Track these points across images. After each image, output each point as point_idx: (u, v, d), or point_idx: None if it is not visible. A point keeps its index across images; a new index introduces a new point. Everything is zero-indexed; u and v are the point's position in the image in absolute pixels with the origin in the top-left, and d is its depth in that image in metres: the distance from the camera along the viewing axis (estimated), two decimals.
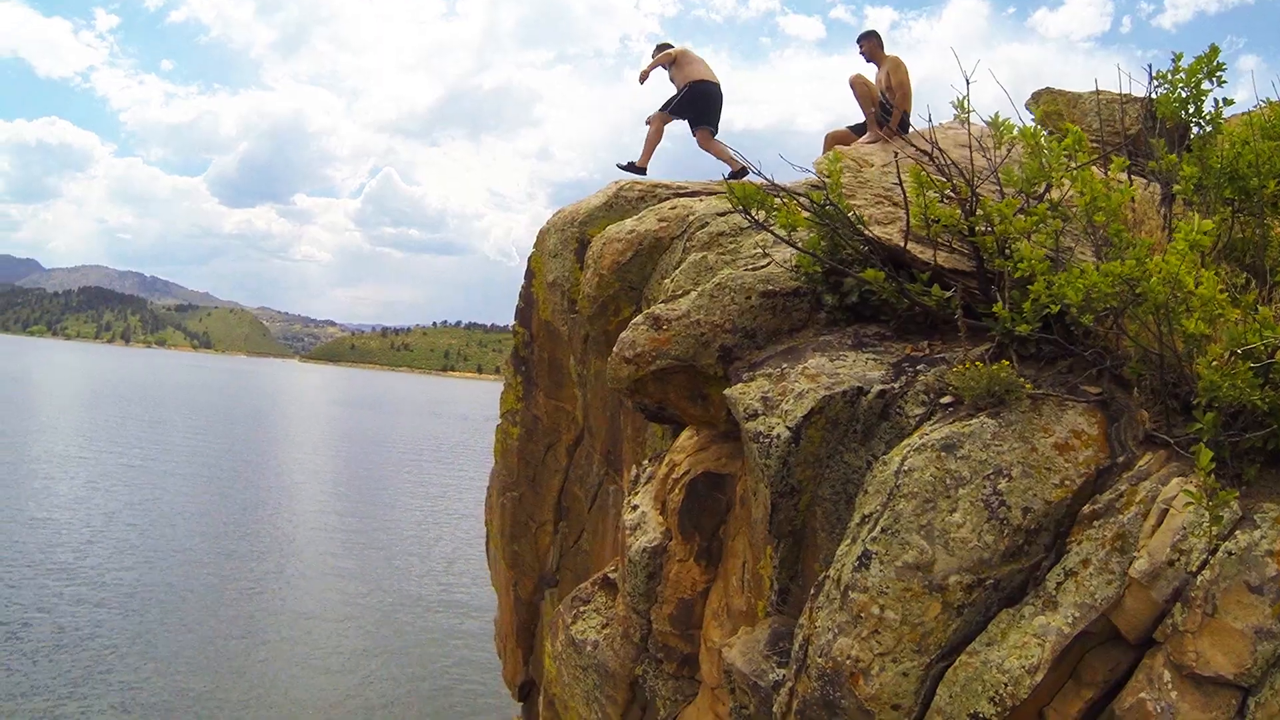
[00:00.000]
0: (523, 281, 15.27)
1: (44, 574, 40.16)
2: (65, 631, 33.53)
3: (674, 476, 8.25)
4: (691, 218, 11.10)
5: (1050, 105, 14.10)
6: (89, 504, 56.68)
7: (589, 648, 9.44)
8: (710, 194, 12.35)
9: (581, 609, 9.83)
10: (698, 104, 13.94)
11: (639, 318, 8.15)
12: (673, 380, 7.98)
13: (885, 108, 12.92)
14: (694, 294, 8.20)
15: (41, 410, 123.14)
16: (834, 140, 13.34)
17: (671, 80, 14.08)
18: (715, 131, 14.06)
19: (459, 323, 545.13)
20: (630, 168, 14.15)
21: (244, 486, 67.19)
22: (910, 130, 12.68)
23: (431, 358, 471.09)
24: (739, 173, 13.07)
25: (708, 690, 8.08)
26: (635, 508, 8.64)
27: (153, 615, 36.12)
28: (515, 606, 15.17)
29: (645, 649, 8.77)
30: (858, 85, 13.16)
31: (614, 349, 8.17)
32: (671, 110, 14.15)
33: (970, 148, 8.25)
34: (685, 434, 8.63)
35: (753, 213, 8.07)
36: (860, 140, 13.03)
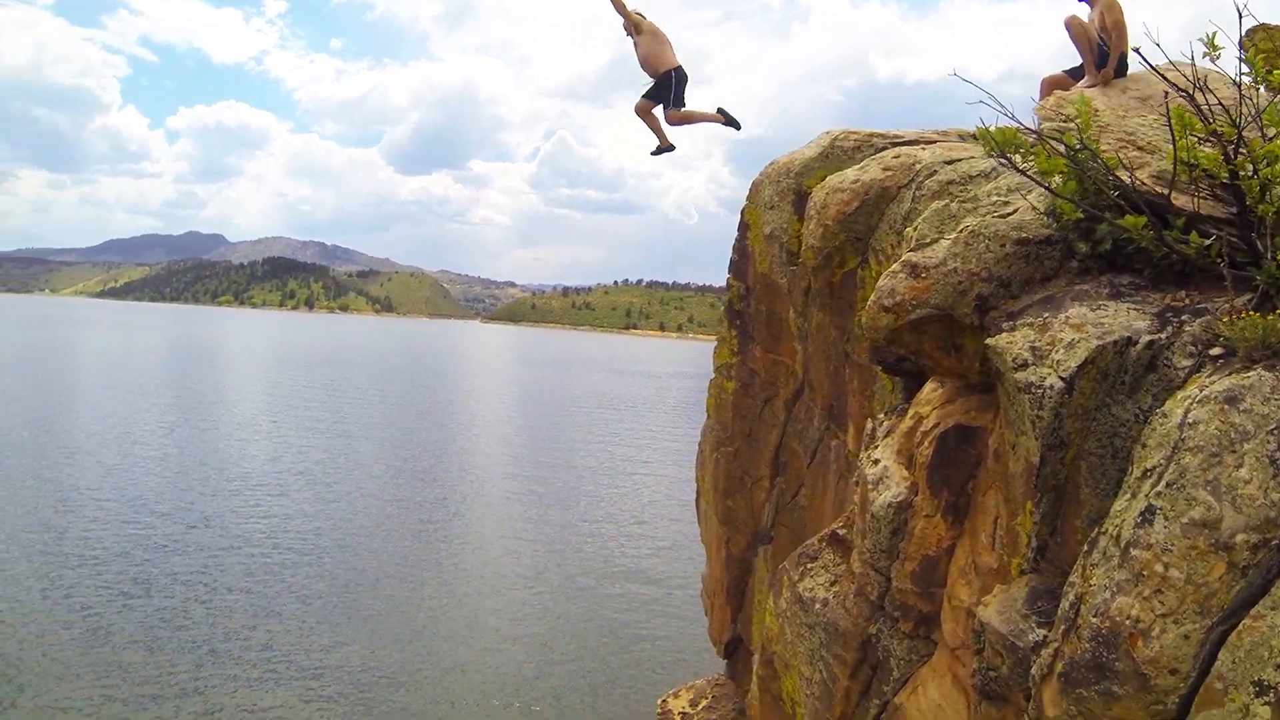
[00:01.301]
0: (736, 235, 15.09)
1: (237, 539, 41.89)
2: (255, 595, 34.84)
3: (922, 430, 7.97)
4: (918, 166, 10.77)
5: (1266, 43, 13.19)
6: (279, 465, 58.98)
7: (817, 605, 9.26)
8: (928, 143, 11.99)
9: (809, 565, 9.65)
10: (679, 88, 13.79)
11: (895, 265, 7.89)
12: (928, 330, 7.71)
13: (1102, 49, 12.29)
14: (947, 241, 7.89)
15: (232, 375, 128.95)
16: (1051, 85, 12.75)
17: (637, 47, 13.78)
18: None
19: (640, 281, 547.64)
20: (660, 151, 14.22)
21: (429, 446, 68.99)
22: (1128, 72, 12.04)
23: (613, 316, 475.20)
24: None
25: (946, 651, 7.83)
26: (877, 462, 8.40)
27: (341, 578, 37.31)
28: (726, 563, 15.08)
29: (881, 607, 8.55)
30: (1073, 26, 12.54)
31: (872, 298, 7.94)
32: (658, 99, 13.94)
33: (1238, 88, 7.70)
34: (929, 387, 8.35)
35: (1011, 157, 7.71)
36: (1079, 85, 12.43)
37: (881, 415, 9.31)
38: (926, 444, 7.85)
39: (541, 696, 28.12)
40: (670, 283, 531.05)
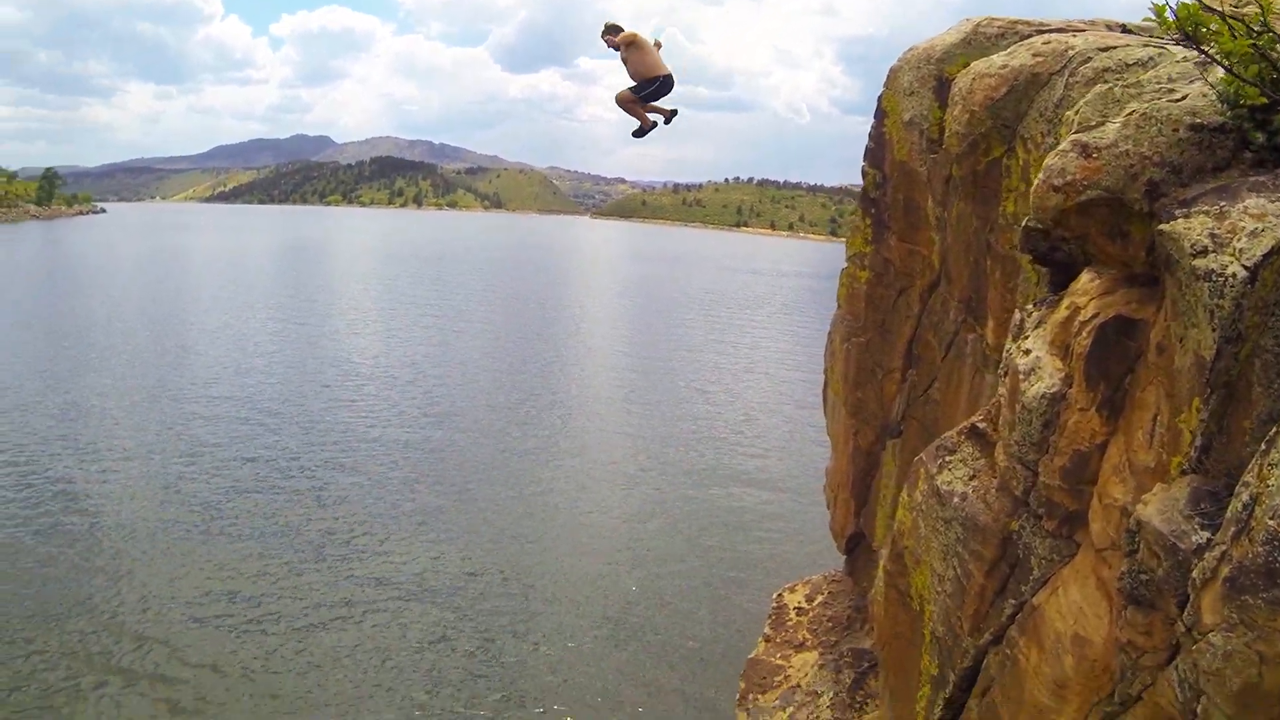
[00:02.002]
0: (871, 122, 14.65)
1: (345, 435, 42.75)
2: (362, 490, 35.53)
3: (1080, 320, 7.62)
4: (1071, 53, 10.24)
5: None
6: (389, 360, 60.00)
7: (955, 499, 9.03)
8: (1076, 31, 11.42)
9: (947, 459, 9.40)
10: (664, 90, 14.82)
11: (1065, 144, 7.49)
12: (1095, 214, 7.34)
13: None
14: (1116, 124, 7.46)
15: (342, 272, 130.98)
16: None
17: (625, 60, 14.73)
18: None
19: (750, 180, 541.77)
20: (642, 132, 15.23)
21: (539, 341, 69.53)
22: None
23: (724, 214, 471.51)
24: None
25: (1092, 552, 7.55)
26: (1028, 352, 8.08)
27: (448, 475, 37.97)
28: (853, 456, 14.88)
29: (1024, 503, 8.29)
30: None
31: (1040, 177, 7.57)
32: (644, 96, 14.95)
33: None
34: (1085, 277, 7.96)
35: (1193, 36, 7.21)
36: None
37: (1030, 306, 8.95)
38: (1084, 334, 7.50)
39: (656, 593, 28.46)
40: (781, 181, 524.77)
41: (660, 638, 25.79)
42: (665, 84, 14.69)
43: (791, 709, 14.01)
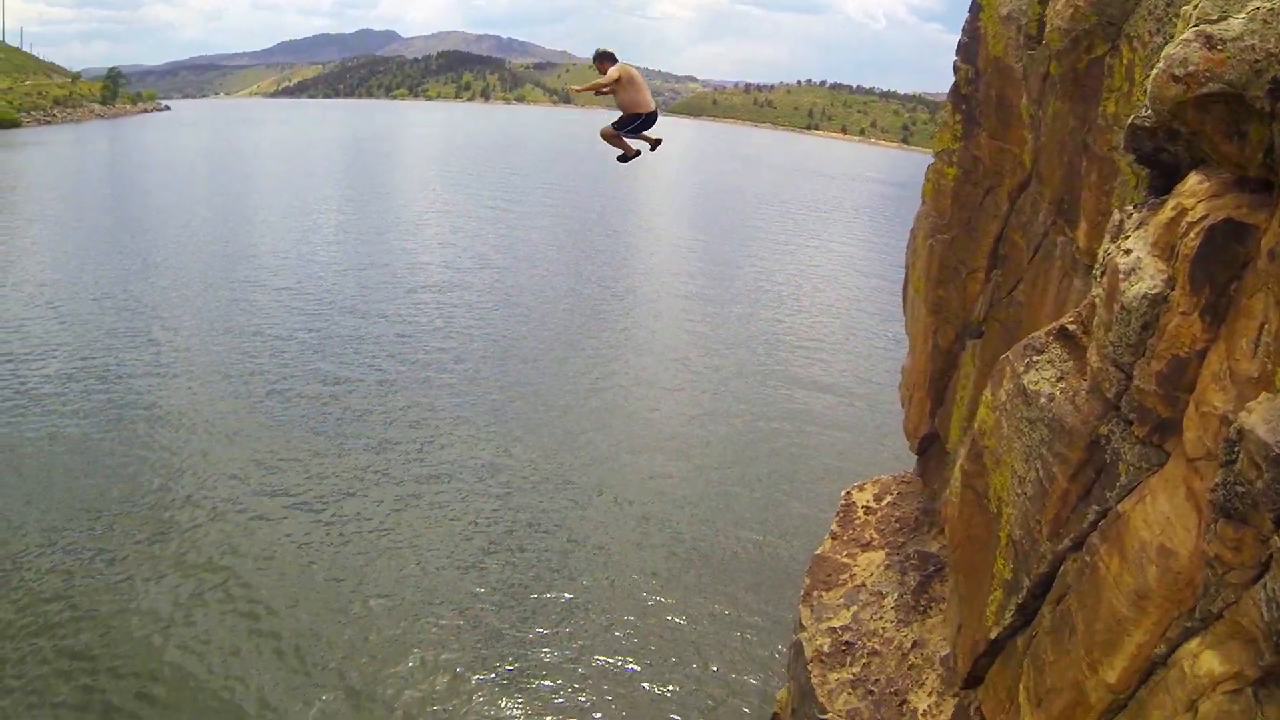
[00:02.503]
0: (967, 15, 14.20)
1: (409, 331, 42.94)
2: (424, 390, 35.76)
3: (1188, 221, 7.36)
4: None
5: None
6: (454, 254, 59.92)
7: (1042, 400, 8.87)
8: None
9: (1034, 359, 9.21)
10: (648, 125, 15.56)
11: (1188, 34, 7.16)
12: (1214, 110, 7.03)
13: None
14: (1242, 19, 7.12)
15: (409, 165, 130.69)
16: None
17: (613, 93, 15.24)
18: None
19: (823, 83, 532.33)
20: (627, 158, 16.07)
21: (606, 235, 69.12)
22: None
23: (795, 116, 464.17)
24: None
25: (1183, 461, 7.37)
26: (1129, 252, 7.83)
27: (510, 374, 38.11)
28: (932, 354, 14.69)
29: (1115, 407, 8.11)
30: None
31: (1159, 66, 7.25)
32: (629, 130, 15.61)
33: None
34: (1194, 178, 7.68)
35: None
36: None
37: (1130, 208, 8.67)
38: (1192, 236, 7.25)
39: (721, 491, 28.57)
40: (854, 86, 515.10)
41: (724, 534, 25.97)
42: (649, 119, 15.33)
43: (855, 608, 14.05)
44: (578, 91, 15.68)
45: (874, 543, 15.13)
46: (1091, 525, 8.46)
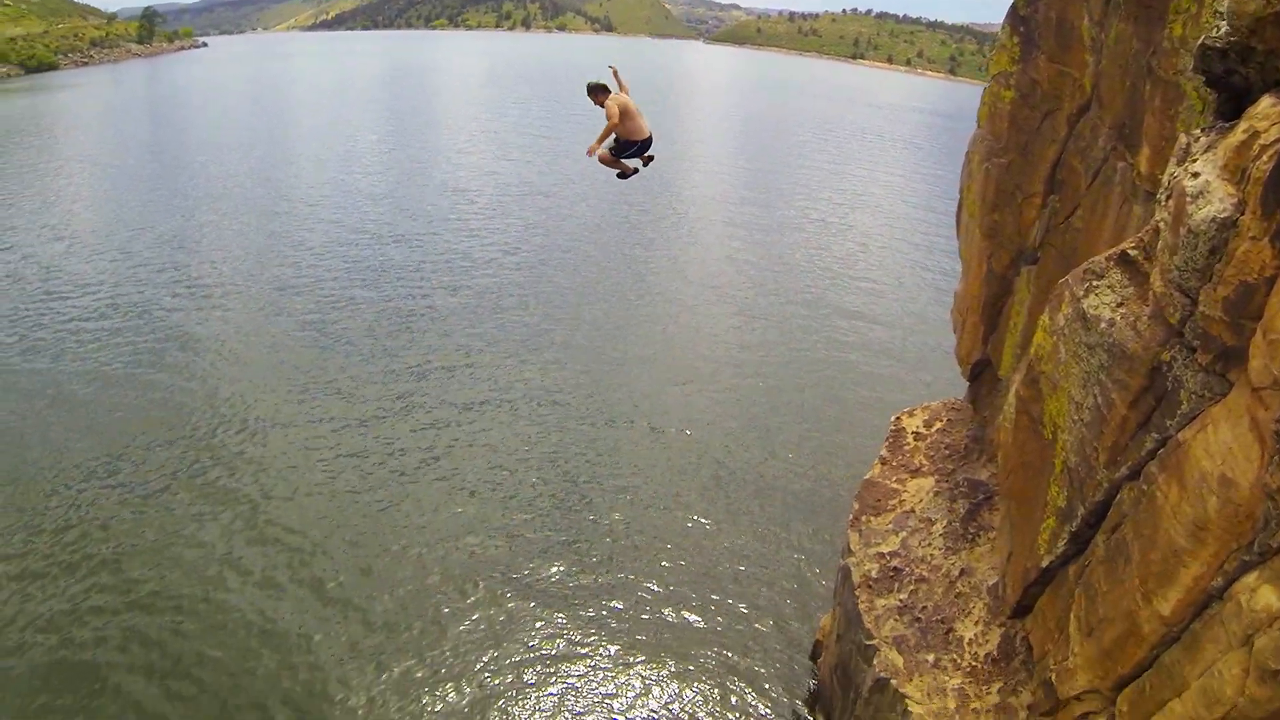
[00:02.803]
0: None
1: (447, 253, 42.84)
2: (463, 306, 35.79)
3: (1261, 144, 7.15)
4: None
5: None
6: (498, 179, 59.57)
7: (1102, 325, 8.73)
8: None
9: (1094, 284, 9.06)
10: (644, 149, 16.06)
11: None
12: None
13: None
14: None
15: (449, 94, 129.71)
16: None
17: (618, 126, 15.43)
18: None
19: (869, 11, 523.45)
20: (625, 176, 16.58)
21: (650, 170, 68.00)
22: None
23: (840, 45, 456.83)
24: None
25: (1248, 390, 7.22)
26: (1197, 175, 7.64)
27: (555, 291, 38.12)
28: (986, 279, 14.51)
29: (1179, 333, 7.97)
30: None
31: None
32: (626, 155, 16.11)
33: None
34: (1266, 101, 7.45)
35: None
36: None
37: (1197, 131, 8.46)
38: (1265, 159, 7.05)
39: (769, 419, 28.51)
40: (900, 16, 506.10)
41: (770, 461, 25.96)
42: (646, 144, 15.84)
43: (904, 534, 14.03)
44: (597, 149, 15.80)
45: (923, 469, 15.07)
46: (1150, 454, 8.36)
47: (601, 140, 15.45)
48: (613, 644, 19.12)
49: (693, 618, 19.84)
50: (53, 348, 31.55)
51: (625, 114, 15.24)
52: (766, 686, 18.16)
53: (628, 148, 15.74)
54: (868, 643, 12.83)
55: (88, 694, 17.66)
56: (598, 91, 15.32)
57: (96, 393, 28.64)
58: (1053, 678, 9.91)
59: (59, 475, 24.19)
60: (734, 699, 17.89)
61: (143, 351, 31.65)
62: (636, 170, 16.43)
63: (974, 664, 12.11)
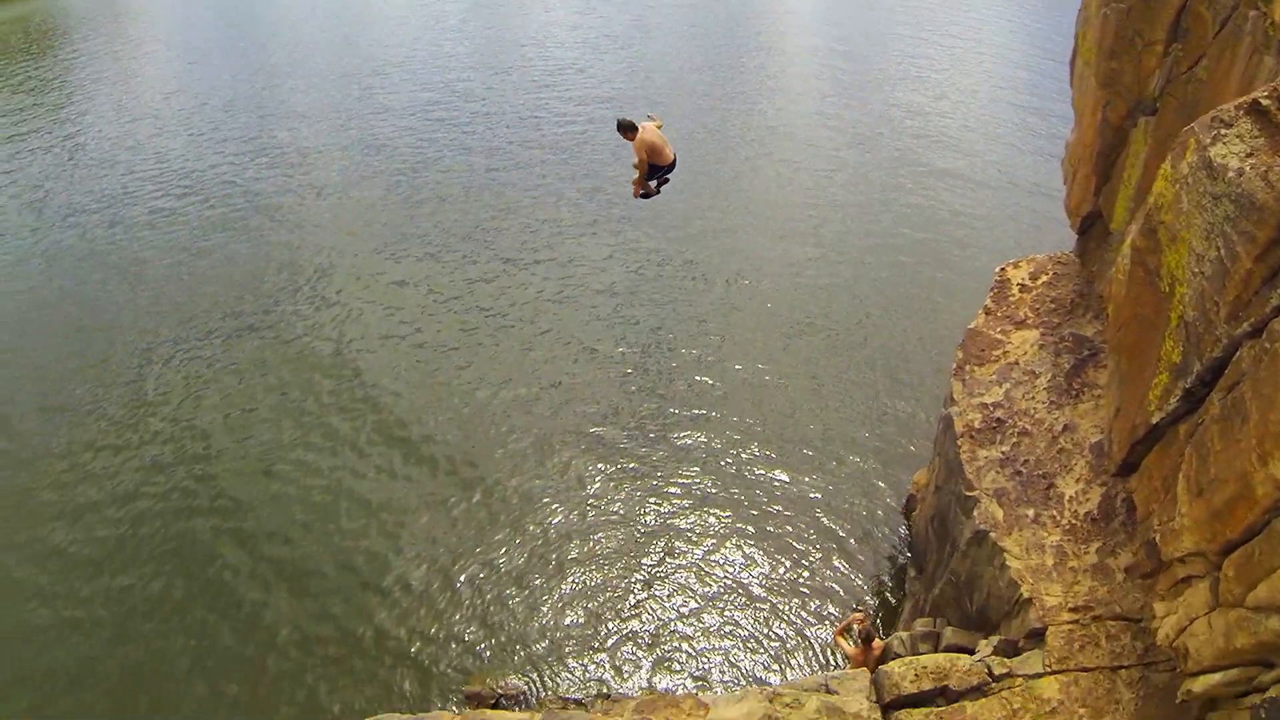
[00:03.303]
0: None
1: (536, 110, 41.90)
2: (533, 178, 35.03)
3: None
4: None
5: None
6: (580, 34, 57.72)
7: (1229, 174, 8.24)
8: None
9: (1222, 132, 8.53)
10: (670, 170, 16.95)
11: None
12: None
13: None
14: None
15: None
16: None
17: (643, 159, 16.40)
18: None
19: None
20: (648, 196, 17.41)
21: (731, 16, 65.75)
22: None
23: None
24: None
25: None
26: None
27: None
28: (1100, 129, 13.86)
29: None
30: None
31: None
32: (656, 179, 17.12)
33: None
34: None
35: None
36: None
37: None
38: None
39: (866, 272, 27.98)
40: None
41: (870, 314, 25.59)
42: (671, 166, 16.79)
43: (1008, 386, 13.74)
44: (638, 190, 17.02)
45: (1028, 321, 14.67)
46: (1275, 310, 7.96)
47: (639, 182, 16.65)
48: (702, 503, 19.45)
49: (786, 479, 19.96)
50: (135, 226, 31.98)
51: (652, 150, 16.17)
52: (855, 542, 18.39)
53: (656, 171, 16.71)
54: (968, 494, 12.69)
55: (174, 557, 18.64)
56: (627, 130, 16.03)
57: (179, 268, 29.09)
58: (1157, 538, 9.71)
59: (150, 350, 24.91)
60: (824, 553, 18.10)
61: (226, 226, 31.81)
62: (658, 191, 17.45)
63: (1073, 522, 11.93)
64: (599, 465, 20.43)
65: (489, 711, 10.01)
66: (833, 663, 15.61)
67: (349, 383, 23.33)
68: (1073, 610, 11.08)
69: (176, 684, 16.23)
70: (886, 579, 17.65)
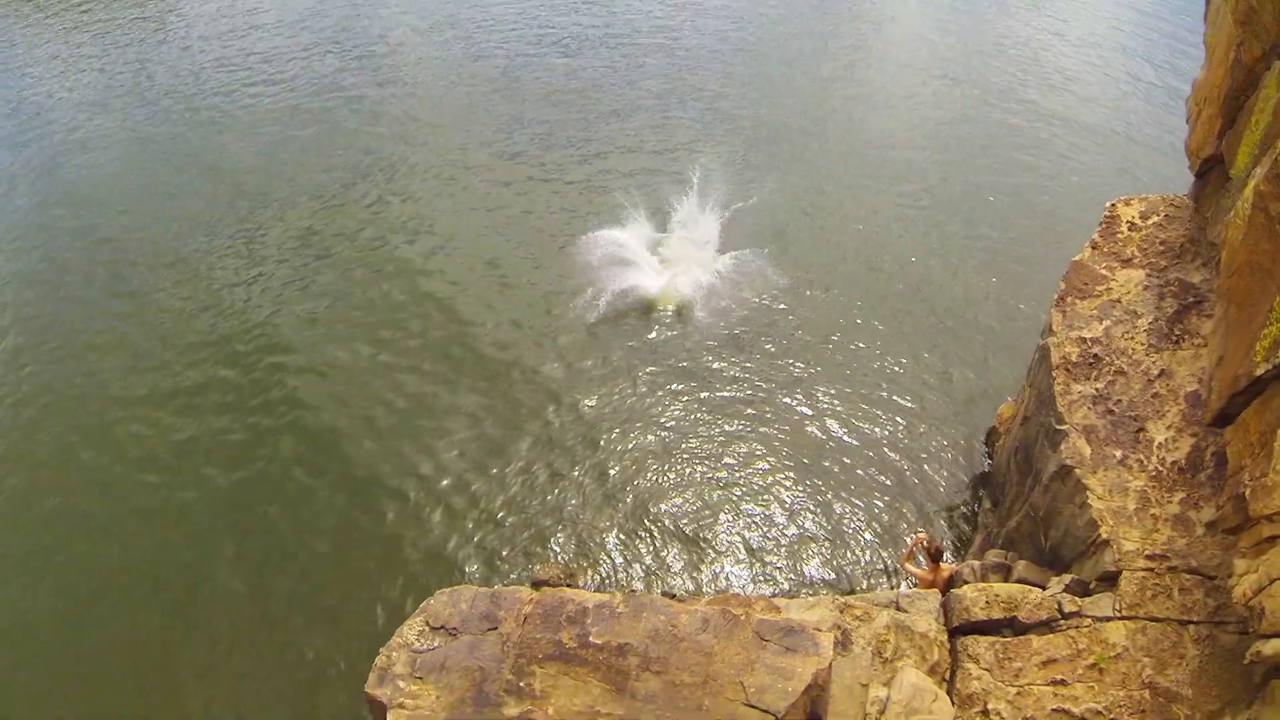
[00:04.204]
0: None
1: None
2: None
3: None
4: None
5: None
6: None
7: None
8: None
9: None
10: None
11: None
12: None
13: None
14: None
15: None
16: None
17: None
18: None
19: None
20: None
21: None
22: None
23: None
24: None
25: None
26: None
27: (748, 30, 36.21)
28: (1231, 68, 13.34)
29: None
30: None
31: None
32: None
33: None
34: None
35: None
36: None
37: None
38: None
39: (970, 192, 27.36)
40: None
41: (970, 238, 25.13)
42: None
43: (1108, 323, 13.47)
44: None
45: (1135, 260, 14.31)
46: None
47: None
48: (778, 427, 19.47)
49: (863, 405, 19.90)
50: (248, 86, 32.41)
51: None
52: (931, 473, 18.27)
53: None
54: (1058, 427, 12.54)
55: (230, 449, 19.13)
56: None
57: (290, 129, 29.52)
58: (1246, 493, 9.53)
59: (262, 194, 25.13)
60: (898, 483, 18.06)
61: (336, 90, 32.17)
62: None
63: (1160, 469, 11.76)
64: (677, 385, 20.40)
65: (567, 589, 10.13)
66: (903, 587, 15.65)
67: (421, 284, 23.43)
68: (1149, 558, 10.98)
69: (222, 571, 16.75)
70: (959, 510, 17.60)
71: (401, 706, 9.36)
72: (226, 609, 16.07)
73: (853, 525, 17.23)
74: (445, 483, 18.06)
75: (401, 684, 9.56)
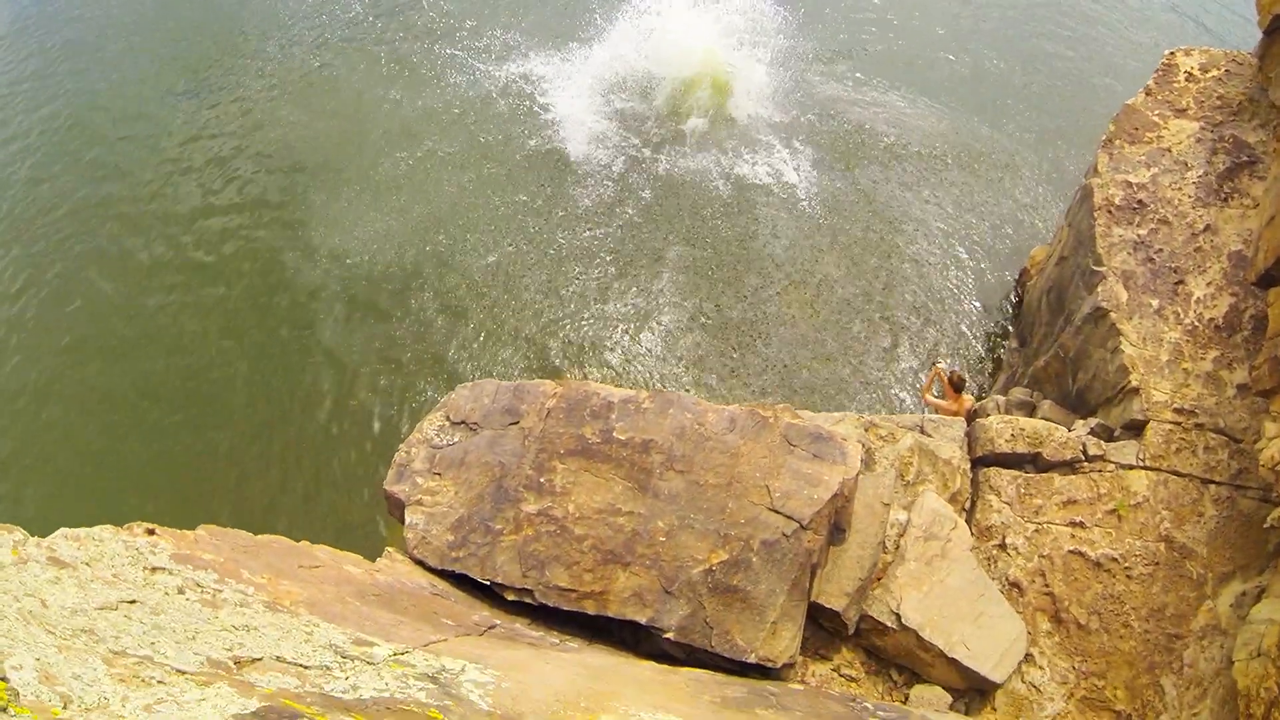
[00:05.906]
0: None
1: None
2: None
3: None
4: None
5: None
6: None
7: None
8: None
9: None
10: None
11: None
12: None
13: None
14: None
15: None
16: None
17: None
18: None
19: None
20: None
21: None
22: None
23: None
24: None
25: None
26: None
27: None
28: None
29: None
30: None
31: None
32: None
33: None
34: None
35: None
36: None
37: None
38: None
39: (1019, 45, 26.32)
40: None
41: (1022, 78, 24.35)
42: None
43: (1155, 171, 13.02)
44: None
45: (1189, 111, 13.79)
46: None
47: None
48: (808, 249, 19.10)
49: (897, 241, 19.54)
50: None
51: None
52: (961, 304, 18.06)
53: None
54: (1095, 268, 12.19)
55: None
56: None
57: None
58: None
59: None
60: (924, 319, 17.89)
61: None
62: None
63: (1196, 324, 11.47)
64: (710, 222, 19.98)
65: (593, 383, 9.81)
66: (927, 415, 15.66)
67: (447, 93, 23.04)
68: (1177, 411, 10.78)
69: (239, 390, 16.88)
70: (984, 348, 17.54)
71: (419, 503, 9.13)
72: (251, 408, 16.62)
73: (876, 352, 17.28)
74: (491, 288, 18.14)
75: (420, 480, 9.32)
